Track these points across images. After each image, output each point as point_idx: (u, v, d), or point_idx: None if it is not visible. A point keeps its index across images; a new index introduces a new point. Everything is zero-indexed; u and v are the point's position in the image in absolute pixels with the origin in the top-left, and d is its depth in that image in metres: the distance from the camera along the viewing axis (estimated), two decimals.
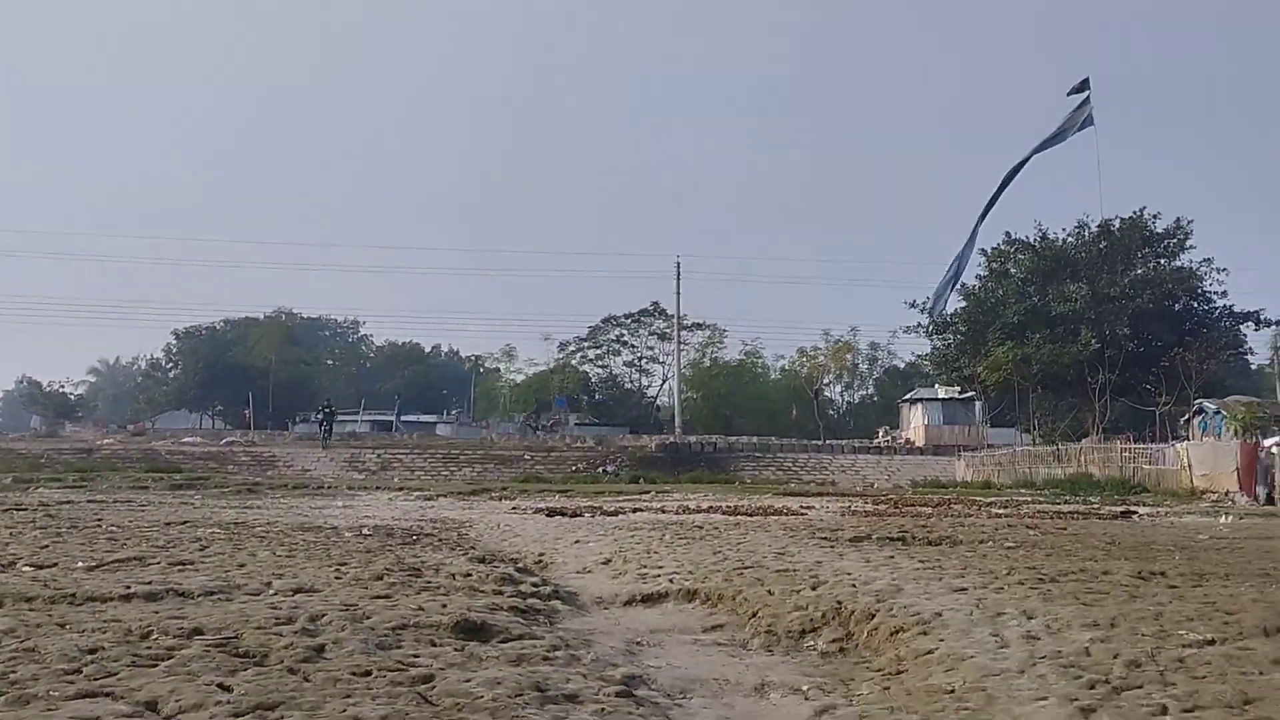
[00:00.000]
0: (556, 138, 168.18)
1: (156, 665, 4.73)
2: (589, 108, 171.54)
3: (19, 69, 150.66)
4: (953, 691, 5.00)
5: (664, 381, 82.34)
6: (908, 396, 61.11)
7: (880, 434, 59.83)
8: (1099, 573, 7.73)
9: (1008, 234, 51.84)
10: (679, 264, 68.38)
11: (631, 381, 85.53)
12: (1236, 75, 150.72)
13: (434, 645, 5.47)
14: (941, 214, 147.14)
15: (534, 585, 7.58)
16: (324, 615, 5.81)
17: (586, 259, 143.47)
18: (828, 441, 54.54)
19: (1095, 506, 20.62)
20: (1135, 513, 18.29)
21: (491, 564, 8.30)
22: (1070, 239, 50.93)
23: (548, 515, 15.51)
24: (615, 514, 15.83)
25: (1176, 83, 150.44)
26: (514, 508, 18.09)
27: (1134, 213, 49.87)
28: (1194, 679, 4.84)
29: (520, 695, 4.62)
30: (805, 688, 5.40)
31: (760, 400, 75.74)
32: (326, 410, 48.56)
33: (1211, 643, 5.47)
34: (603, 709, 4.56)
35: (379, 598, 6.48)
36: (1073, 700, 4.60)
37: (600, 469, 42.90)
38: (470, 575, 7.55)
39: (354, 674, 4.80)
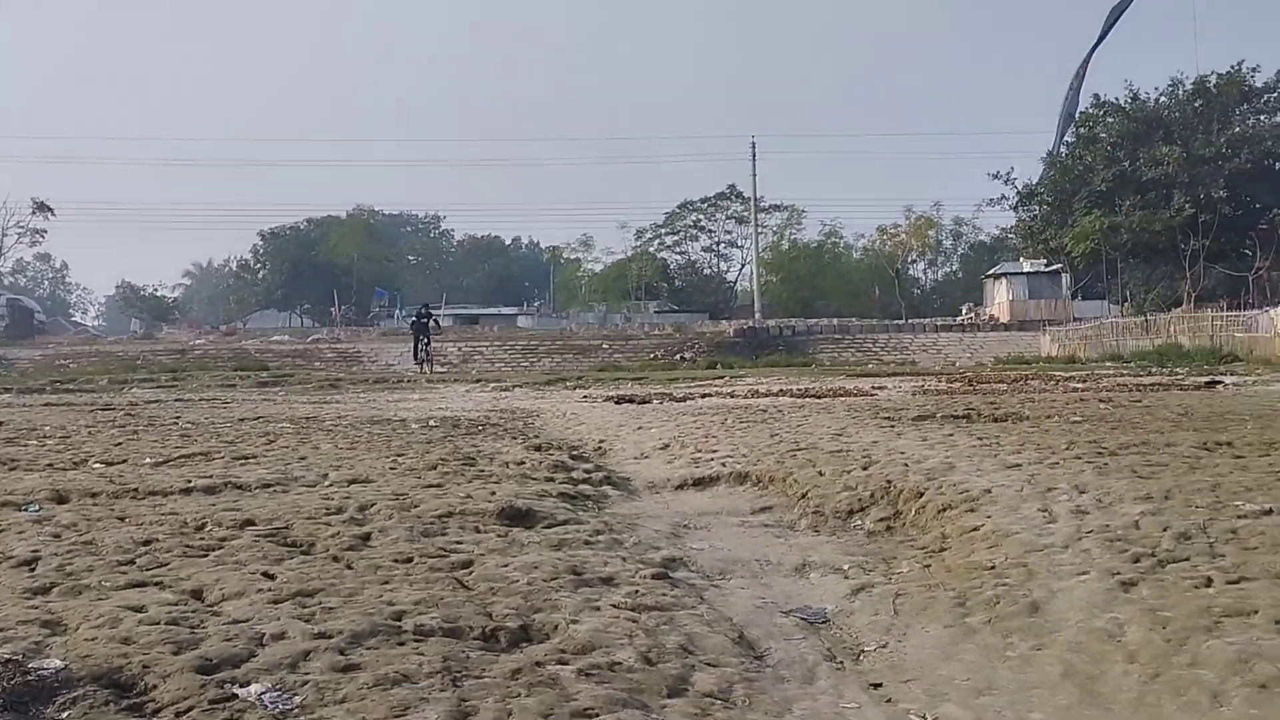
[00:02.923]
0: (625, 23, 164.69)
1: (206, 556, 4.90)
2: None
3: None
4: (993, 568, 4.95)
5: (743, 266, 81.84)
6: (992, 272, 59.83)
7: (964, 311, 58.85)
8: (1162, 445, 7.54)
9: (1096, 97, 49.76)
10: (754, 144, 67.17)
11: (710, 267, 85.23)
12: None
13: (478, 532, 5.58)
14: (1022, 86, 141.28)
15: (586, 471, 7.67)
16: (373, 505, 5.95)
17: (661, 143, 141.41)
18: (910, 320, 53.81)
19: (1180, 378, 20.09)
20: (1220, 383, 17.76)
21: (547, 451, 8.40)
22: (1163, 98, 48.63)
23: (616, 403, 15.61)
24: (683, 400, 15.86)
25: None
26: (585, 396, 18.24)
27: (1232, 67, 47.30)
28: (1244, 550, 4.71)
29: (556, 579, 4.69)
30: (846, 566, 5.40)
31: (842, 281, 74.81)
32: (423, 317, 33.95)
33: (1269, 513, 5.30)
34: (637, 590, 4.61)
35: (430, 486, 6.60)
36: (1114, 574, 4.51)
37: (678, 355, 43.01)
38: (524, 463, 7.65)
39: (395, 561, 4.92)
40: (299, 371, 32.86)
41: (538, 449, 8.57)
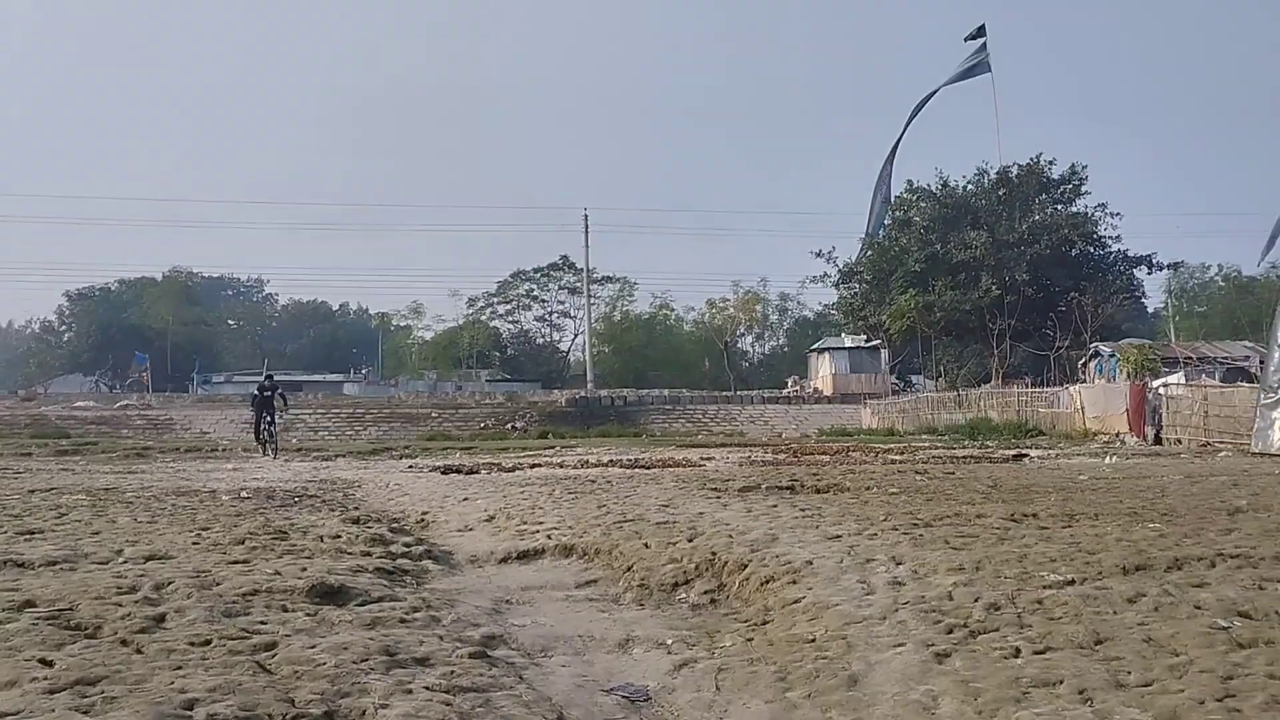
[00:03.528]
0: (459, 93, 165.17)
1: None
2: (491, 60, 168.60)
3: None
4: (813, 640, 4.97)
5: (575, 336, 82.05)
6: (815, 346, 61.69)
7: (790, 384, 60.41)
8: (973, 516, 7.81)
9: (910, 182, 52.48)
10: (586, 216, 67.94)
11: (543, 336, 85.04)
12: (1126, 21, 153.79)
13: (285, 611, 5.26)
14: (847, 164, 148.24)
15: (406, 545, 7.41)
16: (171, 583, 5.56)
17: (494, 212, 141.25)
18: (738, 392, 54.87)
19: (990, 450, 21.06)
20: (1027, 455, 18.71)
21: (365, 524, 8.09)
22: (970, 186, 51.70)
23: (442, 473, 15.29)
24: (512, 470, 15.66)
25: (1068, 29, 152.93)
26: (410, 466, 17.80)
27: (1031, 159, 50.81)
28: (1050, 620, 4.87)
29: (366, 660, 4.44)
30: (670, 641, 5.33)
31: (673, 353, 75.79)
32: (265, 390, 25.16)
33: (1071, 583, 5.51)
34: (452, 671, 4.41)
35: (236, 563, 6.23)
36: (929, 645, 4.59)
37: (510, 425, 42.60)
38: (339, 537, 7.33)
39: (192, 644, 4.57)
40: (104, 440, 30.98)
41: (355, 522, 8.24)
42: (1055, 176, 50.79)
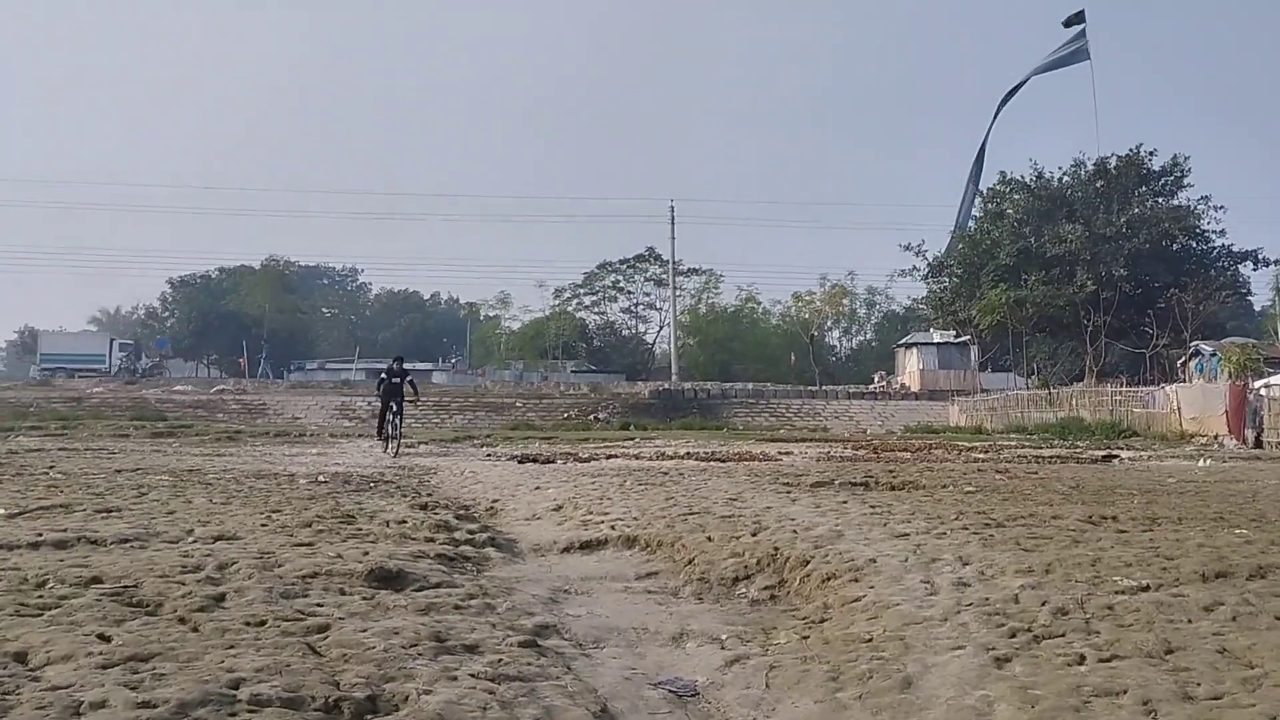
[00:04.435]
0: (551, 84, 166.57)
1: (41, 615, 4.57)
2: (582, 49, 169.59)
3: None
4: (870, 640, 4.84)
5: (660, 328, 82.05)
6: (903, 341, 60.82)
7: (876, 379, 59.65)
8: (1049, 518, 7.56)
9: (1003, 174, 51.27)
10: (673, 207, 67.91)
11: (629, 328, 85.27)
12: (1234, 7, 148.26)
13: (343, 594, 5.31)
14: (936, 158, 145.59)
15: (470, 532, 7.43)
16: (234, 563, 5.65)
17: (580, 203, 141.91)
18: (823, 387, 54.34)
19: (1079, 451, 20.48)
20: (1117, 456, 18.14)
21: (432, 510, 8.15)
22: (1066, 178, 50.34)
23: (519, 462, 15.38)
24: (588, 460, 15.69)
25: (1174, 16, 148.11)
26: (489, 454, 17.97)
27: (1130, 150, 49.22)
28: (1119, 627, 4.67)
29: (416, 645, 4.46)
30: (724, 636, 5.24)
31: (758, 346, 75.38)
32: (394, 375, 20.99)
33: (1146, 589, 5.29)
34: (500, 660, 4.40)
35: (300, 545, 6.32)
36: (989, 649, 4.43)
37: (592, 415, 42.78)
38: (405, 522, 7.39)
39: (247, 624, 4.64)
40: (199, 423, 31.94)
41: (423, 508, 8.31)
42: (1156, 169, 49.11)
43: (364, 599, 5.22)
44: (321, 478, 11.21)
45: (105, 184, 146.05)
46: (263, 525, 6.93)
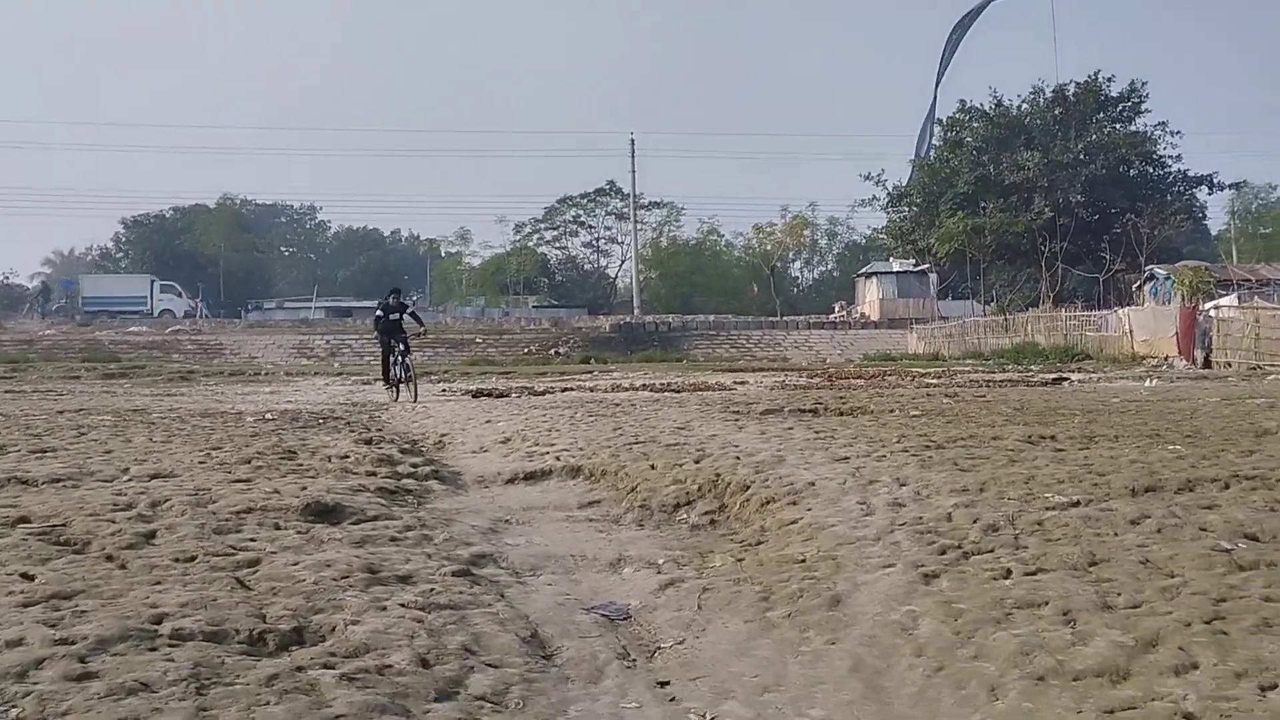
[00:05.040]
0: (508, 15, 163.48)
1: None
2: None
3: None
4: (803, 561, 4.88)
5: (623, 262, 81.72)
6: (863, 271, 61.05)
7: (836, 309, 59.90)
8: (989, 439, 7.64)
9: (962, 102, 50.99)
10: (633, 140, 67.43)
11: (590, 262, 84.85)
12: None
13: (277, 529, 5.28)
14: (895, 87, 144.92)
15: (414, 466, 7.41)
16: (167, 501, 5.59)
17: (540, 138, 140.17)
18: (784, 318, 54.52)
19: (1031, 375, 20.71)
20: (1066, 379, 18.37)
21: (376, 445, 8.11)
22: (1025, 106, 50.26)
23: (474, 397, 15.34)
24: (543, 394, 15.67)
25: None
26: (444, 390, 17.88)
27: (1089, 77, 49.11)
28: (1047, 541, 4.73)
29: (347, 577, 4.44)
30: (661, 561, 5.27)
31: (720, 279, 75.38)
32: (391, 310, 17.86)
33: (1076, 504, 5.36)
34: (432, 589, 4.39)
35: (238, 481, 6.26)
36: (919, 567, 4.48)
37: (553, 350, 42.73)
38: (348, 457, 7.35)
39: (176, 560, 4.60)
40: (153, 364, 31.51)
41: (368, 442, 8.26)
42: (1114, 95, 49.09)
43: (299, 533, 5.19)
44: (269, 415, 11.11)
45: (54, 123, 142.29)
46: (200, 463, 6.86)
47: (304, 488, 6.11)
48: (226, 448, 7.59)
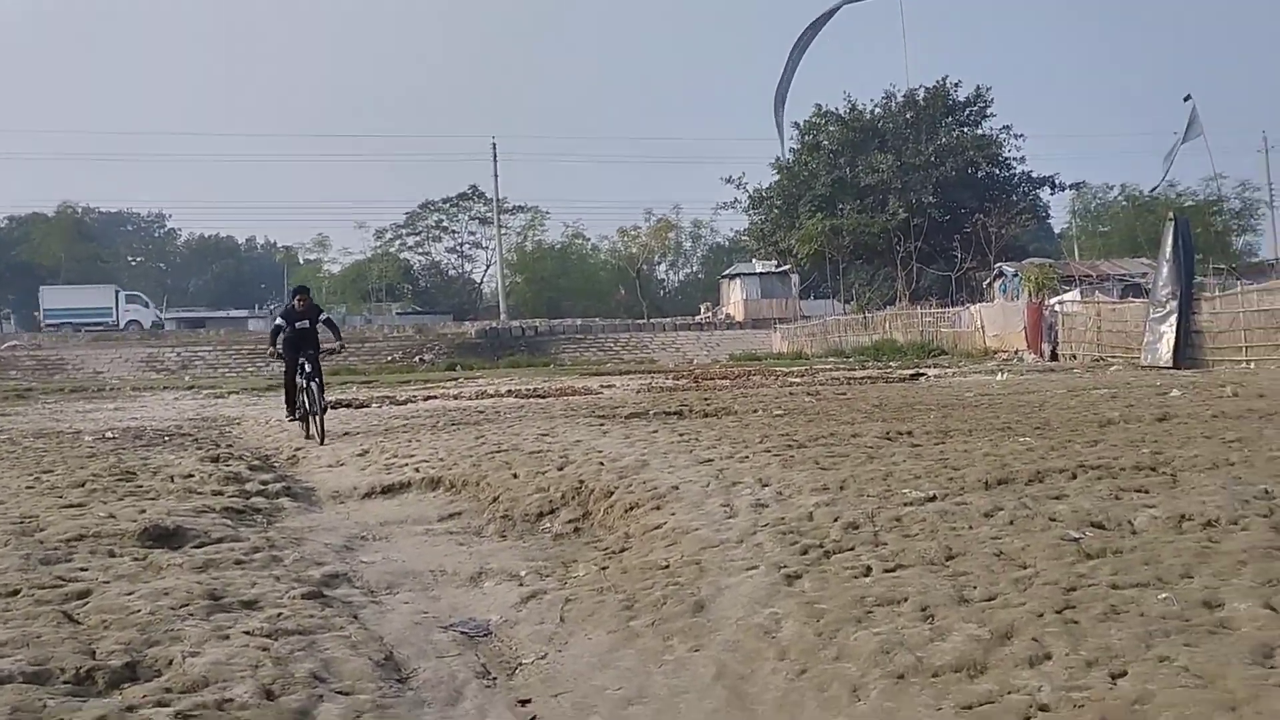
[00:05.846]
0: (368, 19, 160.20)
1: None
2: None
3: None
4: (667, 567, 4.82)
5: (488, 267, 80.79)
6: (727, 272, 61.78)
7: (702, 310, 60.48)
8: (848, 436, 7.74)
9: (818, 106, 52.20)
10: (495, 145, 66.65)
11: (455, 268, 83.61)
12: None
13: (111, 556, 4.95)
14: (757, 91, 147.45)
15: (264, 483, 7.11)
16: None
17: (400, 142, 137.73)
18: (650, 320, 54.79)
19: (889, 371, 21.24)
20: (923, 375, 18.88)
21: (224, 462, 7.75)
22: (878, 109, 51.75)
23: (331, 408, 14.83)
24: (404, 403, 15.32)
25: None
26: None
27: (937, 82, 50.92)
28: (905, 537, 4.78)
29: (187, 605, 4.18)
30: (523, 573, 5.14)
31: (587, 282, 75.17)
32: (296, 318, 12.04)
33: (933, 499, 5.44)
34: (280, 614, 4.17)
35: (70, 507, 5.88)
36: (781, 568, 4.46)
37: (417, 358, 41.98)
38: (192, 476, 7.00)
39: None
40: None
41: (215, 460, 7.89)
42: (961, 99, 50.98)
43: (135, 560, 4.89)
44: (109, 434, 10.54)
45: None
46: (29, 488, 6.42)
47: (142, 511, 5.78)
48: (59, 470, 7.14)
